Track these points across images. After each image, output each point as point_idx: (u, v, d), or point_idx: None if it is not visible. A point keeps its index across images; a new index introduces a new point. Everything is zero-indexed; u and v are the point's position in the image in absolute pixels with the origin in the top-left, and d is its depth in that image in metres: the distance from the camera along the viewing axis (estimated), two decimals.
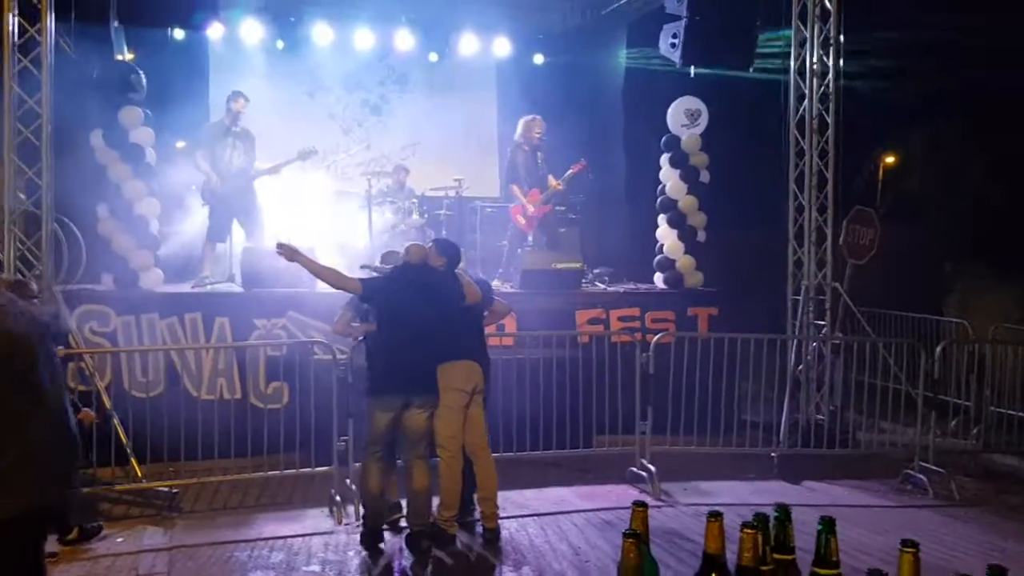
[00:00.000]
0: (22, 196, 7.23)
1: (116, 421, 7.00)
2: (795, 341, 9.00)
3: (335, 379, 6.98)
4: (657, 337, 7.99)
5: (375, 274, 6.37)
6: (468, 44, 12.53)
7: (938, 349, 8.02)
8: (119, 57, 8.79)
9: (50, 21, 7.27)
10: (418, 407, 6.03)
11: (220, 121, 9.54)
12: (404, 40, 12.26)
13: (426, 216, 10.63)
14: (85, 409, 6.11)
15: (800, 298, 9.16)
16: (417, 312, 5.99)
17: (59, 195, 7.72)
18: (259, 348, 8.04)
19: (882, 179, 17.24)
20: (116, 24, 7.87)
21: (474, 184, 11.73)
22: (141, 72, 8.65)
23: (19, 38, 7.19)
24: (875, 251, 9.39)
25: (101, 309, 7.86)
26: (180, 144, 10.30)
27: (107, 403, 7.08)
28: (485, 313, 6.57)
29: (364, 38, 12.14)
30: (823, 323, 9.11)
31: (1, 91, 7.27)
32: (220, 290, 8.79)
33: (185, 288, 8.71)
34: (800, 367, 9.01)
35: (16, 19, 7.14)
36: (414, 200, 10.63)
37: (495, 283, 9.78)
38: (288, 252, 6.13)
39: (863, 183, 16.12)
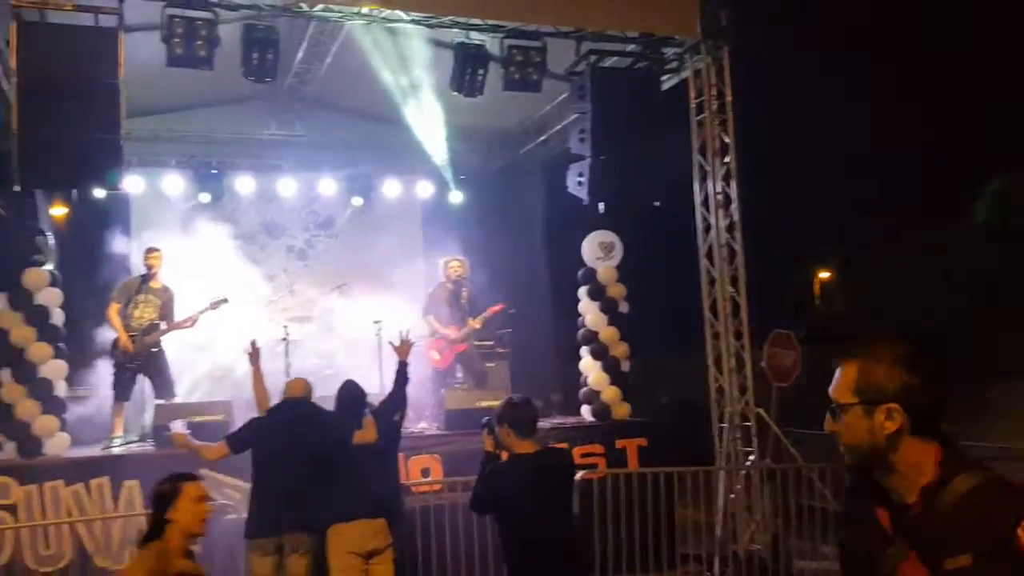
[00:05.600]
0: None
1: None
2: (722, 472, 8.88)
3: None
4: (580, 475, 7.79)
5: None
6: (391, 188, 12.77)
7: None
8: (49, 214, 8.71)
9: None
10: (292, 550, 5.77)
11: (135, 277, 9.42)
12: (327, 187, 12.45)
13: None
14: None
15: (726, 426, 9.10)
16: (284, 447, 5.88)
17: None
18: None
19: (814, 295, 17.56)
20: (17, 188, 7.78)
21: (403, 323, 11.63)
22: (48, 233, 8.57)
23: None
24: (799, 372, 9.37)
25: (1, 480, 7.50)
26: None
27: None
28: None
29: (287, 186, 12.31)
30: (751, 449, 9.03)
31: None
32: (132, 451, 8.48)
33: (94, 451, 8.38)
34: (732, 496, 8.87)
35: None
36: None
37: (422, 425, 9.63)
38: (255, 355, 6.62)
39: (791, 302, 16.39)
